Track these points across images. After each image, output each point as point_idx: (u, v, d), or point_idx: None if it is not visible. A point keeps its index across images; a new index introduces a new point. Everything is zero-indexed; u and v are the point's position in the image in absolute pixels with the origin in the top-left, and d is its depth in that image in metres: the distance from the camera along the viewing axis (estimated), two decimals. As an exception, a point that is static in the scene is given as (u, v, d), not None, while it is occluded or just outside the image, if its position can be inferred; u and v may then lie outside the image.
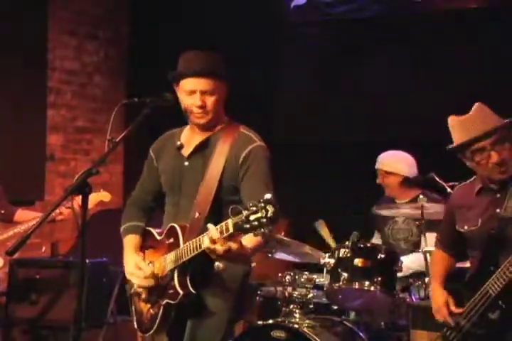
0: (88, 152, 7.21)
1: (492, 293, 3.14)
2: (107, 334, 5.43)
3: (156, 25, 7.22)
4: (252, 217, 2.74)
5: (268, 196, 2.75)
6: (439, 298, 3.43)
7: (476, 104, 3.30)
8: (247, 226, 2.75)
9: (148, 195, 3.50)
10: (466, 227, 3.35)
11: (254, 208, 2.74)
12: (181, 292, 3.10)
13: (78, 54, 7.16)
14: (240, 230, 2.80)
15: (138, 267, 3.28)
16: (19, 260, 5.26)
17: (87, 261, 5.08)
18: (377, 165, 5.13)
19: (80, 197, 2.84)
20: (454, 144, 3.28)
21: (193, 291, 3.11)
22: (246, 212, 2.75)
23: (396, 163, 5.05)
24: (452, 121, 3.31)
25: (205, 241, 2.92)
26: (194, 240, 3.03)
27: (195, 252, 3.02)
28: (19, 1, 6.48)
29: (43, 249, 5.89)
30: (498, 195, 3.27)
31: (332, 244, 4.83)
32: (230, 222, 2.83)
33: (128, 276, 3.35)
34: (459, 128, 3.27)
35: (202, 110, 3.24)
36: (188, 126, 3.40)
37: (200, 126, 3.31)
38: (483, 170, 3.26)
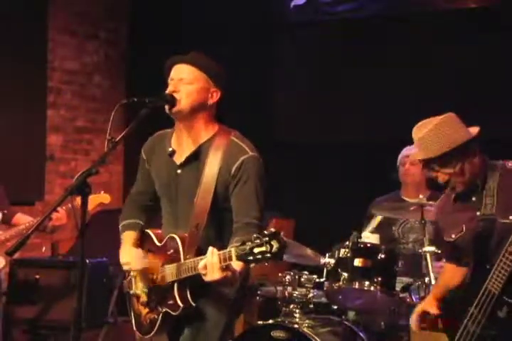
0: (88, 152, 7.21)
1: (495, 291, 3.13)
2: (107, 334, 5.43)
3: (156, 26, 7.22)
4: (256, 250, 2.75)
5: (273, 230, 2.77)
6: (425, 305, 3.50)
7: (441, 118, 3.28)
8: (250, 258, 2.77)
9: (143, 195, 3.49)
10: (453, 236, 3.36)
11: (259, 241, 2.76)
12: (182, 305, 3.11)
13: (78, 54, 7.15)
14: (242, 261, 2.83)
15: (137, 256, 3.29)
16: (19, 260, 5.26)
17: (87, 261, 5.09)
18: (411, 152, 5.07)
19: (80, 197, 2.83)
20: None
21: (194, 305, 3.13)
22: (250, 243, 2.77)
23: None
24: (414, 134, 3.33)
25: (200, 265, 2.95)
26: (193, 260, 3.04)
27: (192, 273, 3.03)
28: (19, 1, 6.48)
29: (43, 249, 5.89)
30: (474, 198, 3.29)
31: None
32: (233, 252, 2.84)
33: (123, 266, 3.35)
34: (416, 144, 3.33)
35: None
36: (175, 129, 3.34)
37: (175, 117, 3.23)
38: None
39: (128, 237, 3.41)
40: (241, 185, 3.16)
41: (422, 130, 3.27)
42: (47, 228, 4.60)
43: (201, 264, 2.95)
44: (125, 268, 3.37)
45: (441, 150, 3.21)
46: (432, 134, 3.24)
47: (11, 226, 4.78)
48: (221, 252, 2.90)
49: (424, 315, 3.49)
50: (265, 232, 2.77)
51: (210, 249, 2.94)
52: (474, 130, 3.26)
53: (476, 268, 3.28)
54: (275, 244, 2.73)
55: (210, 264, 2.92)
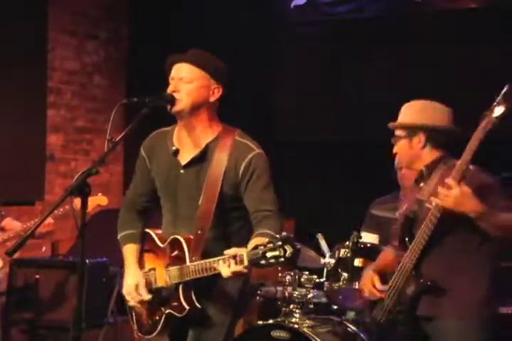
0: (88, 152, 7.21)
1: (408, 268, 3.27)
2: (107, 334, 5.43)
3: (156, 26, 7.22)
4: (269, 254, 2.76)
5: (285, 234, 2.77)
6: (366, 276, 3.58)
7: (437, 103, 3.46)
8: (263, 262, 2.78)
9: (142, 196, 3.45)
10: (396, 214, 3.54)
11: (272, 245, 2.76)
12: (187, 307, 3.12)
13: (78, 54, 7.15)
14: (254, 265, 2.83)
15: (138, 291, 3.27)
16: (19, 260, 5.26)
17: (87, 261, 5.09)
18: None
19: (79, 198, 2.83)
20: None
21: (199, 306, 3.13)
22: (263, 248, 2.77)
23: None
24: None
25: (223, 271, 2.93)
26: (204, 262, 3.04)
27: (206, 274, 3.03)
28: (19, 1, 6.47)
29: (43, 249, 5.89)
30: (422, 184, 3.40)
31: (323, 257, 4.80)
32: (245, 255, 2.84)
33: (125, 293, 3.34)
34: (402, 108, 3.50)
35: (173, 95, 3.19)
36: (177, 127, 3.34)
37: (177, 116, 3.24)
38: None
39: (129, 255, 3.38)
40: (253, 181, 3.18)
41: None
42: (35, 234, 4.59)
43: (225, 270, 2.93)
44: (128, 298, 3.34)
45: (412, 120, 3.37)
46: (418, 105, 3.43)
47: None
48: (231, 258, 2.90)
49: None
50: (278, 236, 2.77)
51: (221, 263, 2.94)
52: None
53: (401, 249, 3.38)
54: (289, 249, 2.74)
55: (227, 274, 2.94)
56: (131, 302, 3.31)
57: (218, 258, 2.96)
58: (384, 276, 3.48)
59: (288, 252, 2.73)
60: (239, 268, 2.89)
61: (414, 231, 3.29)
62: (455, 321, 3.22)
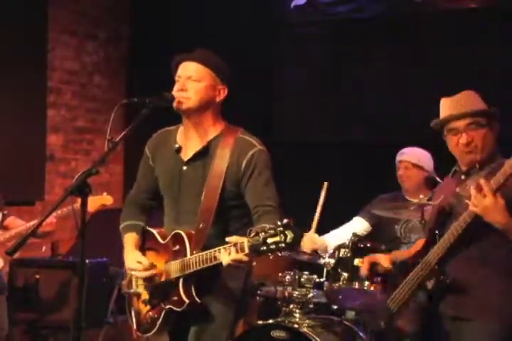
0: (89, 152, 7.21)
1: (432, 261, 3.22)
2: (107, 334, 5.43)
3: (156, 25, 7.23)
4: (269, 240, 2.75)
5: (286, 220, 2.76)
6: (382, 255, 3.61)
7: (465, 91, 3.36)
8: (264, 248, 2.77)
9: (145, 193, 3.50)
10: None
11: (273, 231, 2.75)
12: (187, 301, 3.12)
13: (78, 54, 7.15)
14: (255, 252, 2.81)
15: (137, 261, 3.30)
16: (19, 260, 5.26)
17: (87, 261, 5.09)
18: (403, 157, 5.05)
19: (80, 198, 2.83)
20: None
21: (198, 300, 3.13)
22: (263, 234, 2.76)
23: (424, 158, 5.03)
24: (442, 100, 3.39)
25: (224, 258, 2.92)
26: (205, 253, 3.04)
27: (207, 265, 3.03)
28: (19, 1, 6.48)
29: (43, 249, 5.89)
30: (463, 177, 3.30)
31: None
32: (245, 242, 2.83)
33: (129, 272, 3.37)
34: (443, 106, 3.36)
35: (181, 94, 3.21)
36: (181, 126, 3.36)
37: (182, 113, 3.26)
38: (456, 151, 3.29)
39: (130, 240, 3.41)
40: (255, 176, 3.19)
41: (452, 97, 3.33)
42: (36, 233, 4.59)
43: (225, 258, 2.92)
44: (132, 273, 3.37)
45: (481, 107, 3.24)
46: (467, 95, 3.32)
47: (2, 227, 4.74)
48: (232, 246, 2.89)
49: (374, 265, 3.54)
50: (279, 223, 2.76)
51: (222, 251, 2.94)
52: None
53: (429, 240, 3.34)
54: (289, 234, 2.73)
55: (227, 261, 2.93)
56: (138, 274, 3.31)
57: (219, 247, 2.97)
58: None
59: (289, 237, 2.73)
60: (239, 255, 2.88)
61: (448, 226, 3.20)
62: (482, 323, 3.15)
